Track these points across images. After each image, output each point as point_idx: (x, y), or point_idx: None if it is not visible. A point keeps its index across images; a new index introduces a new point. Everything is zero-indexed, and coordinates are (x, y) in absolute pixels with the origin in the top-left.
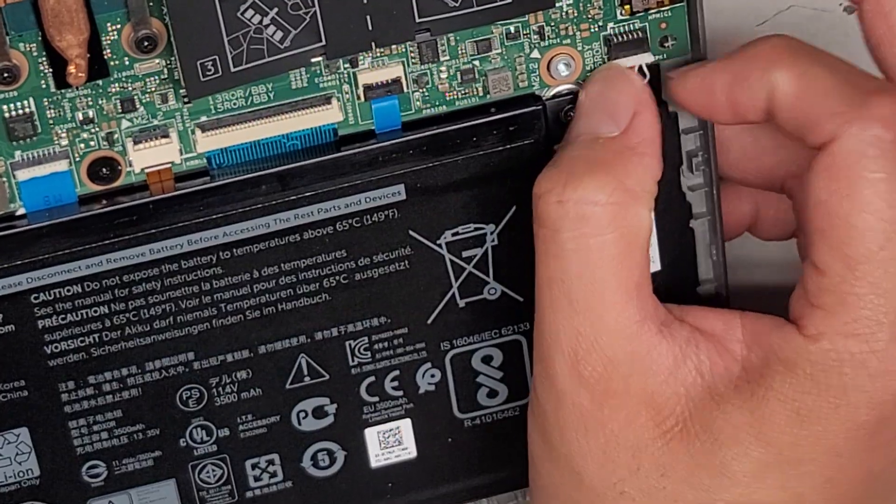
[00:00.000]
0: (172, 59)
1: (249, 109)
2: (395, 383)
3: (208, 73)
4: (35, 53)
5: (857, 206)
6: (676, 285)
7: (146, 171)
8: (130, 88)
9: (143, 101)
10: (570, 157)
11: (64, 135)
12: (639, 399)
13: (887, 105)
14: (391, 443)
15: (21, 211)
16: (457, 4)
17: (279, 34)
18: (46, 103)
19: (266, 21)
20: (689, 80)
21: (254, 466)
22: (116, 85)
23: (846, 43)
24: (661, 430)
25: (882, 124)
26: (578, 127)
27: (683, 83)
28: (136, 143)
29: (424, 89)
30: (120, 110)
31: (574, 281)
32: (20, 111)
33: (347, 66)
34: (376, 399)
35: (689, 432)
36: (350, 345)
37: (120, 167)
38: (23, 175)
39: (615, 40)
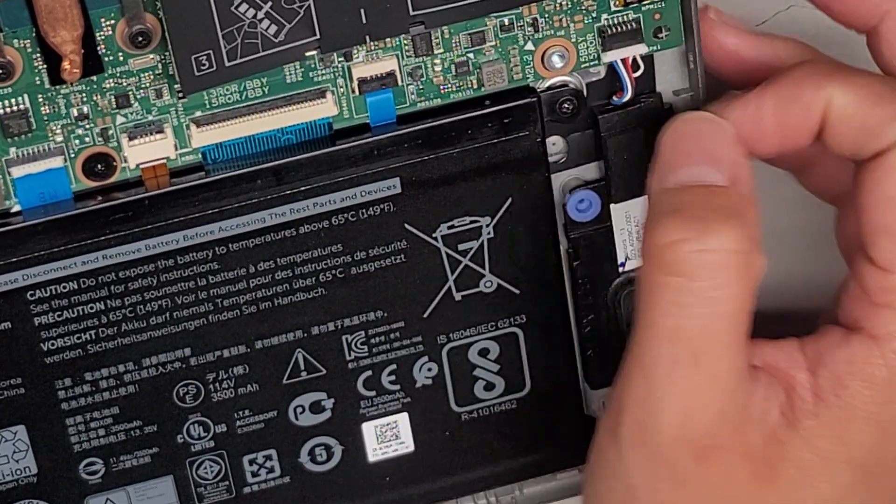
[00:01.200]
0: (167, 54)
1: (244, 104)
2: (392, 377)
3: (203, 67)
4: (29, 49)
5: None
6: None
7: (141, 166)
8: (125, 84)
9: (138, 96)
10: (690, 204)
11: (58, 131)
12: (738, 450)
13: None
14: (388, 437)
15: (16, 208)
16: None
17: (273, 28)
18: (41, 99)
19: (260, 15)
20: (732, 113)
21: (251, 462)
22: (111, 80)
23: (846, 43)
24: (758, 478)
25: None
26: (679, 176)
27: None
28: (130, 138)
29: (419, 82)
30: (114, 106)
31: (699, 333)
32: (14, 108)
33: (342, 59)
34: (373, 393)
35: (784, 475)
36: (347, 339)
37: (115, 163)
38: (17, 172)
39: (609, 32)
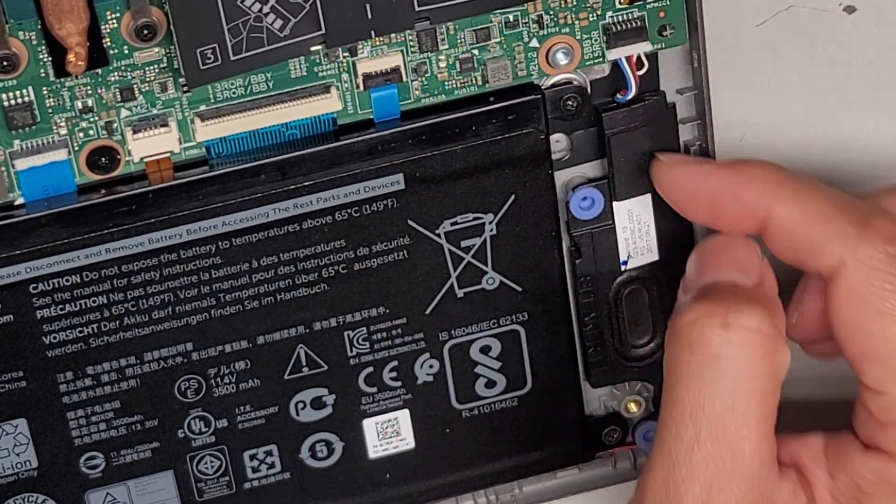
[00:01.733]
0: (172, 47)
1: (248, 98)
2: (394, 374)
3: (208, 61)
4: (34, 42)
5: (891, 318)
6: (673, 278)
7: (145, 160)
8: (130, 77)
9: (143, 90)
10: (715, 292)
11: (63, 124)
12: None
13: (887, 224)
14: (389, 434)
15: (20, 201)
16: None
17: (279, 22)
18: (46, 92)
19: (266, 9)
20: (676, 173)
21: (252, 458)
22: (116, 74)
23: (846, 43)
24: None
25: (886, 241)
26: (707, 277)
27: (668, 173)
28: (135, 132)
29: (423, 78)
30: (119, 99)
31: (723, 411)
32: (19, 100)
33: (347, 54)
34: (375, 390)
35: None
36: (349, 335)
37: (119, 156)
38: (22, 164)
39: (614, 29)
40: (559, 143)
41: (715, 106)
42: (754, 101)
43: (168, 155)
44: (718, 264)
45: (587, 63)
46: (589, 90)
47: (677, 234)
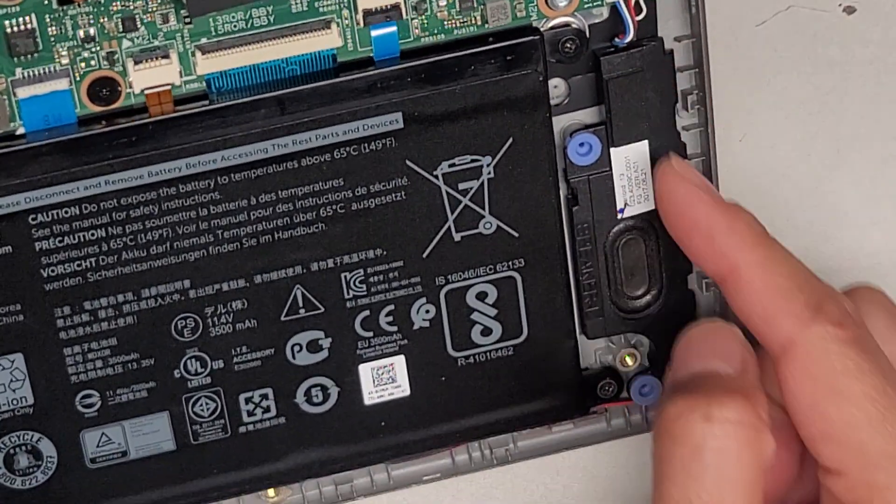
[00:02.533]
0: None
1: (249, 32)
2: (390, 318)
3: None
4: None
5: (845, 398)
6: None
7: (146, 92)
8: (132, 7)
9: (144, 20)
10: (697, 385)
11: (65, 53)
12: None
13: (838, 309)
14: (385, 380)
15: (21, 130)
16: None
17: None
18: (48, 20)
19: None
20: (676, 183)
21: (247, 401)
22: (118, 3)
23: (845, 43)
24: None
25: (836, 325)
26: (692, 366)
27: (670, 179)
28: (136, 62)
29: (423, 17)
30: (121, 29)
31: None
32: (22, 27)
33: None
34: (371, 334)
35: None
36: (346, 277)
37: (120, 88)
38: (23, 93)
39: None
40: (557, 88)
41: (715, 106)
42: (754, 101)
43: (169, 88)
44: (701, 353)
45: (586, 5)
46: (587, 34)
47: None
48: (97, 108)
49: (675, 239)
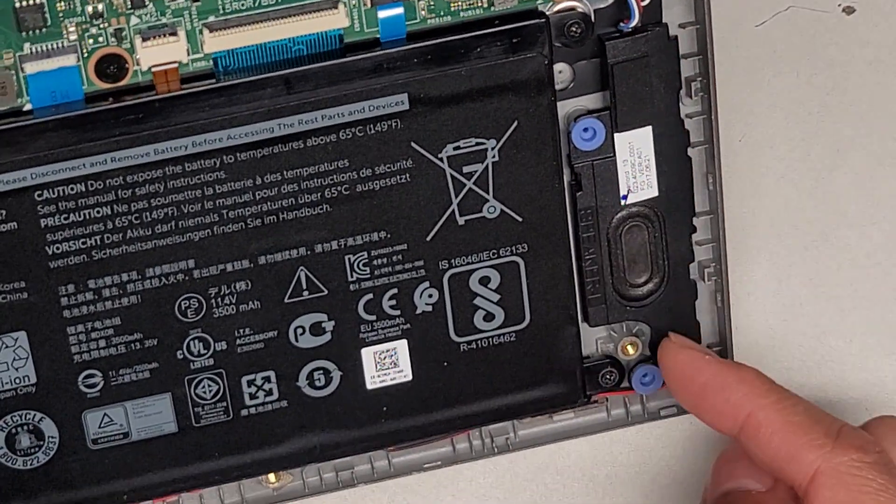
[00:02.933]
0: None
1: (257, 11)
2: (393, 302)
3: None
4: None
5: None
6: (673, 212)
7: (153, 69)
8: None
9: None
10: (732, 502)
11: (73, 29)
12: None
13: (857, 436)
14: (387, 364)
15: (28, 106)
16: None
17: None
18: None
19: None
20: (680, 355)
21: (250, 383)
22: None
23: (844, 43)
24: None
25: (858, 450)
26: (723, 486)
27: (674, 354)
28: (144, 39)
29: None
30: (129, 6)
31: None
32: (31, 1)
33: None
34: (374, 318)
35: None
36: (349, 259)
37: (127, 65)
38: (31, 68)
39: None
40: (562, 73)
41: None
42: (754, 101)
43: (176, 65)
44: (732, 473)
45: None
46: (593, 19)
47: (677, 172)
48: (104, 85)
49: (689, 407)
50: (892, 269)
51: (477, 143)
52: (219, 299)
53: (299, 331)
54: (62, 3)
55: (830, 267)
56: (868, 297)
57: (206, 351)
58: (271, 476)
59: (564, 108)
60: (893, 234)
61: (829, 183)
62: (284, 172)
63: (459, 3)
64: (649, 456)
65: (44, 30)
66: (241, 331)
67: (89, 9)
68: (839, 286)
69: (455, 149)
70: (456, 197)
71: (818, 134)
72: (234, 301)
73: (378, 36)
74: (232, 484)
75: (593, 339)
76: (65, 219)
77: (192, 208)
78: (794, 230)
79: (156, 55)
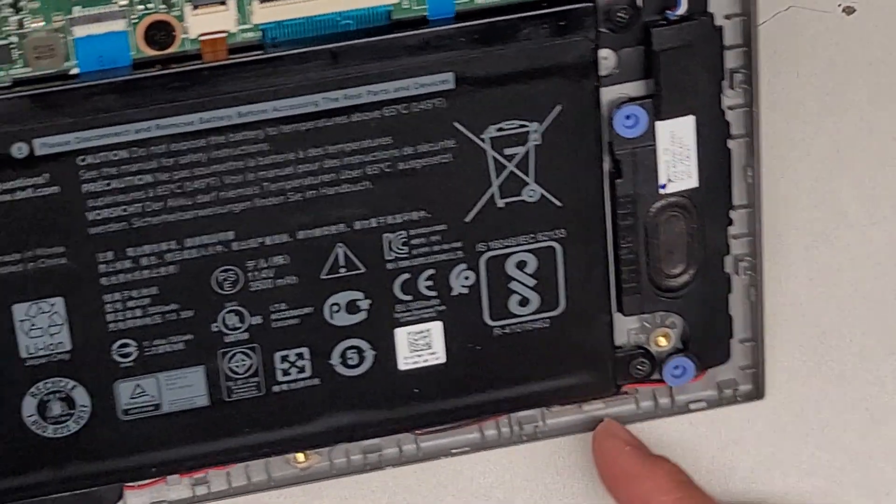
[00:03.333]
0: None
1: None
2: (430, 283)
3: None
4: None
5: None
6: (710, 204)
7: (201, 38)
8: None
9: None
10: None
11: None
12: None
13: None
14: (420, 346)
15: (75, 70)
16: None
17: None
18: None
19: None
20: (605, 441)
21: (283, 359)
22: None
23: (844, 44)
24: None
25: None
26: None
27: (599, 439)
28: (194, 7)
29: None
30: None
31: None
32: None
33: None
34: (410, 298)
35: None
36: (388, 238)
37: (175, 33)
38: (80, 32)
39: None
40: (607, 59)
41: None
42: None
43: (224, 35)
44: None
45: None
46: (640, 4)
47: (716, 163)
48: (152, 52)
49: (609, 490)
50: (893, 269)
51: (520, 126)
52: (256, 272)
53: (335, 308)
54: None
55: (831, 266)
56: (868, 298)
57: (241, 325)
58: (300, 455)
59: (606, 94)
60: (894, 234)
61: (829, 183)
62: (328, 147)
63: None
64: None
65: None
66: (277, 305)
67: None
68: (839, 286)
69: (498, 130)
70: (496, 179)
71: (818, 134)
72: (271, 275)
73: (426, 14)
74: (259, 462)
75: (625, 329)
76: (107, 185)
77: (233, 179)
78: (794, 230)
79: (205, 24)
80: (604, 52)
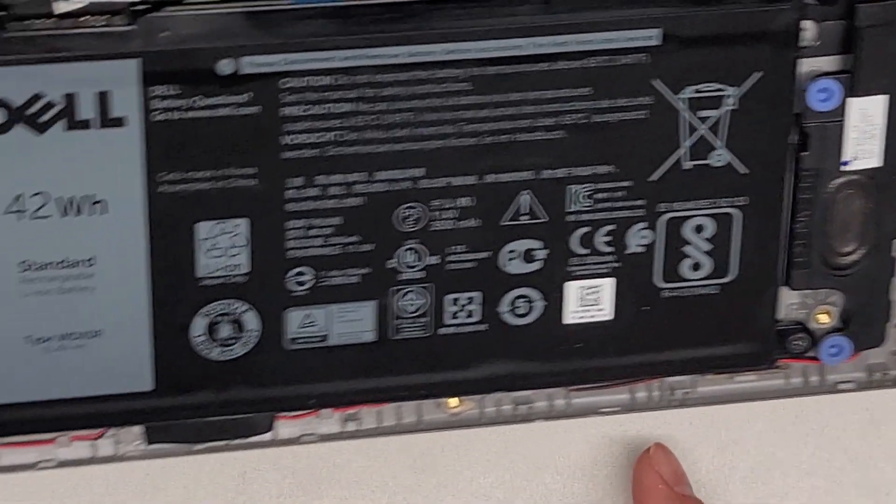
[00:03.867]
0: None
1: None
2: (608, 238)
3: None
4: None
5: None
6: (890, 185)
7: None
8: None
9: None
10: None
11: None
12: None
13: None
14: (589, 301)
15: None
16: None
17: None
18: None
19: None
20: (642, 459)
21: (454, 302)
22: None
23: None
24: None
25: None
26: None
27: (644, 470)
28: None
29: None
30: None
31: None
32: None
33: None
34: (587, 252)
35: None
36: (573, 189)
37: None
38: None
39: None
40: (808, 31)
41: None
42: None
43: None
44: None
45: None
46: None
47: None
48: None
49: None
50: None
51: (717, 89)
52: (440, 212)
53: (511, 255)
54: None
55: None
56: None
57: (417, 263)
58: (452, 400)
59: (804, 66)
60: None
61: None
62: (528, 93)
63: None
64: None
65: None
66: (456, 247)
67: None
68: None
69: (695, 91)
70: (686, 140)
71: None
72: (454, 216)
73: None
74: (410, 404)
75: (786, 304)
76: (306, 110)
77: (431, 117)
78: None
79: None
80: (806, 23)
